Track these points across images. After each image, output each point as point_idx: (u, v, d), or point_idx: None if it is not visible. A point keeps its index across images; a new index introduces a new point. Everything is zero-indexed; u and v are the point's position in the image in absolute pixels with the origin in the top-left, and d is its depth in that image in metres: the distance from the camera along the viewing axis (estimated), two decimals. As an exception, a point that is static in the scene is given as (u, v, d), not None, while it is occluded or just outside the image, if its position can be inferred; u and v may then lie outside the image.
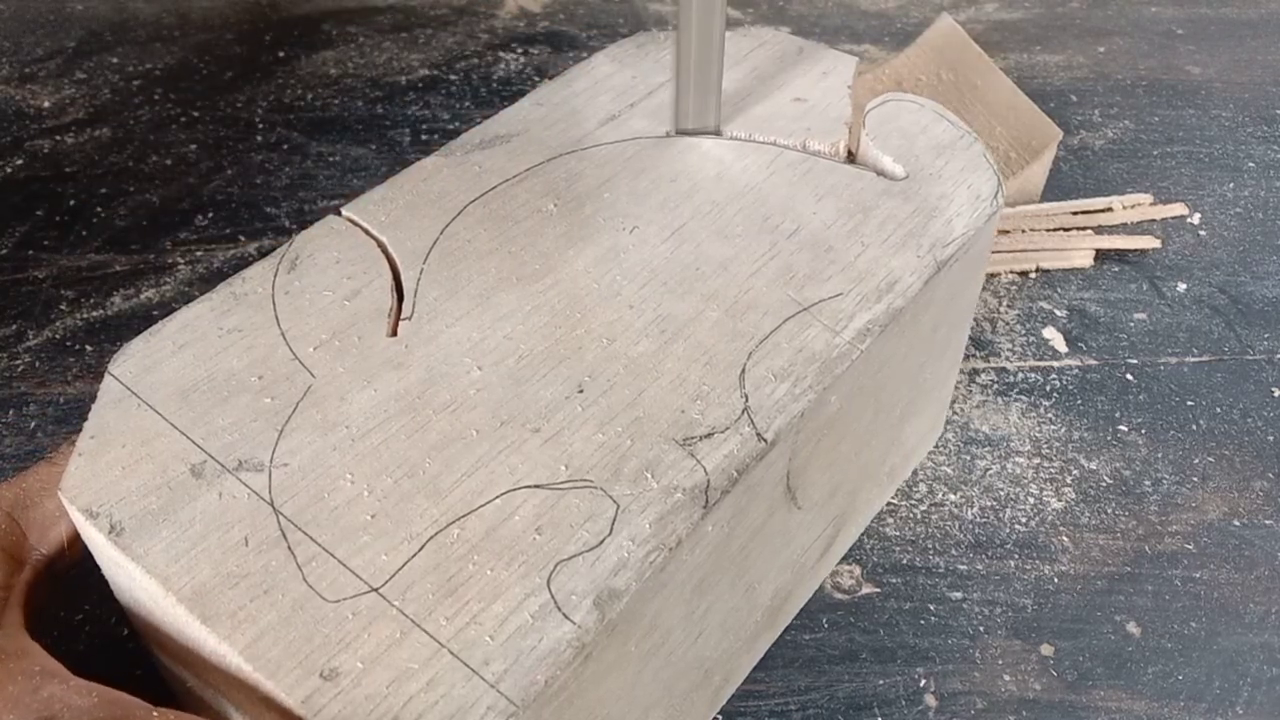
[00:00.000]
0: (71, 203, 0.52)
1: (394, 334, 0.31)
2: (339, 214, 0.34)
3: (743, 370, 0.30)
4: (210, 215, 0.52)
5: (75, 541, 0.29)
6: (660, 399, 0.29)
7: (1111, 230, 0.53)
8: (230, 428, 0.28)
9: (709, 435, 0.29)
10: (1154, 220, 0.55)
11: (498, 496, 0.27)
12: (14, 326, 0.47)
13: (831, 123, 0.37)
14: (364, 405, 0.29)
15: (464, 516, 0.27)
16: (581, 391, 0.29)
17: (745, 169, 0.36)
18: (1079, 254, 0.52)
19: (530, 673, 0.24)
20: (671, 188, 0.35)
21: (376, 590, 0.25)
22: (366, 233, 0.33)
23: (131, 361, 0.30)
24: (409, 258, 0.33)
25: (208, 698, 0.28)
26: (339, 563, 0.26)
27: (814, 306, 0.32)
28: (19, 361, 0.46)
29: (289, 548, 0.26)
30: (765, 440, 0.29)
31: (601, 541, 0.26)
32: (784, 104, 0.38)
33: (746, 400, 0.29)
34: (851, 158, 0.37)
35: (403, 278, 0.32)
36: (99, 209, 0.52)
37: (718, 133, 0.36)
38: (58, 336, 0.47)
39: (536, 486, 0.27)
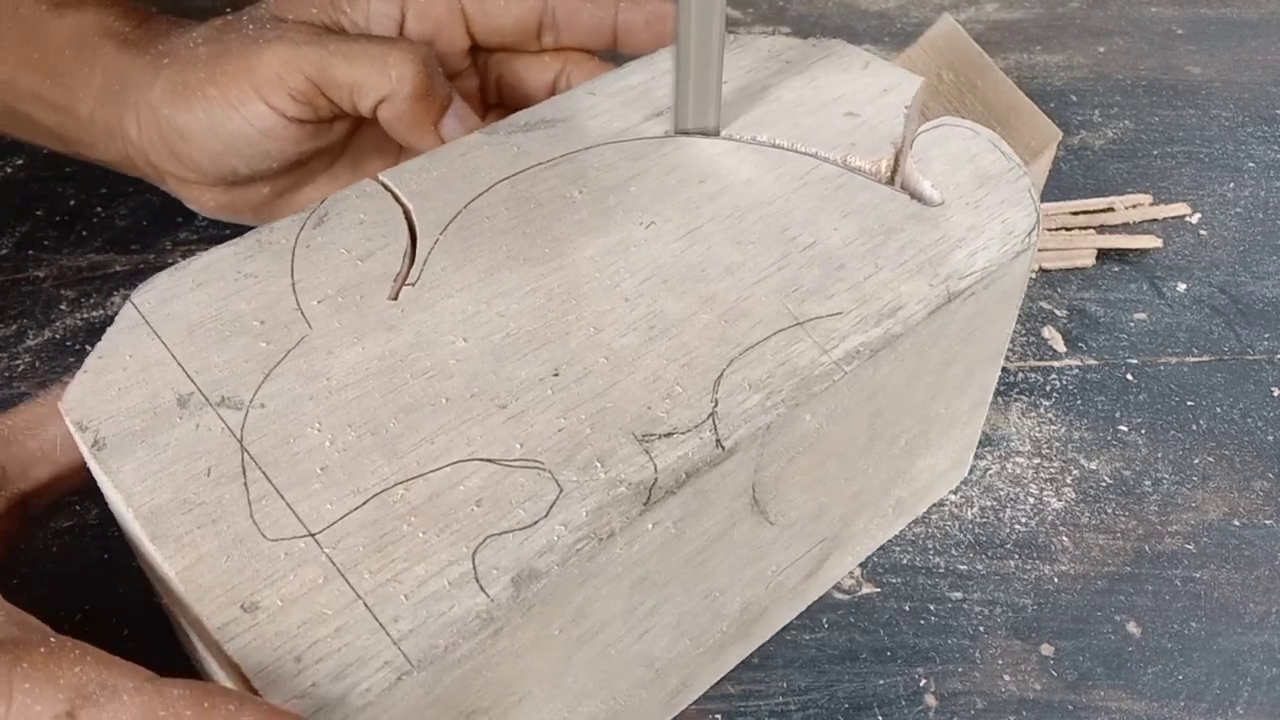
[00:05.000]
0: (71, 203, 0.52)
1: (395, 298, 0.32)
2: (375, 179, 0.35)
3: (720, 376, 0.30)
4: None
5: (54, 482, 0.31)
6: (630, 393, 0.29)
7: (1113, 230, 0.53)
8: (223, 365, 0.30)
9: (668, 435, 0.29)
10: (1155, 220, 0.54)
11: (449, 465, 0.28)
12: (14, 326, 0.47)
13: (879, 141, 0.36)
14: (349, 361, 0.30)
15: (412, 479, 0.27)
16: (556, 375, 0.30)
17: (779, 177, 0.35)
18: (1081, 253, 0.52)
19: (434, 637, 0.25)
20: (699, 188, 0.35)
21: (312, 535, 0.26)
22: (396, 198, 0.35)
23: (152, 293, 0.32)
24: (429, 227, 0.34)
25: (174, 613, 0.30)
26: (286, 505, 0.27)
27: (809, 322, 0.31)
28: (19, 361, 0.46)
29: (245, 484, 0.27)
30: (723, 447, 0.28)
31: (535, 522, 0.27)
32: (835, 117, 0.37)
33: (715, 406, 0.29)
34: (893, 178, 0.36)
35: (418, 245, 0.33)
36: (99, 209, 0.52)
37: (716, 133, 0.36)
38: (58, 336, 0.47)
39: (488, 460, 0.28)
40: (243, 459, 0.28)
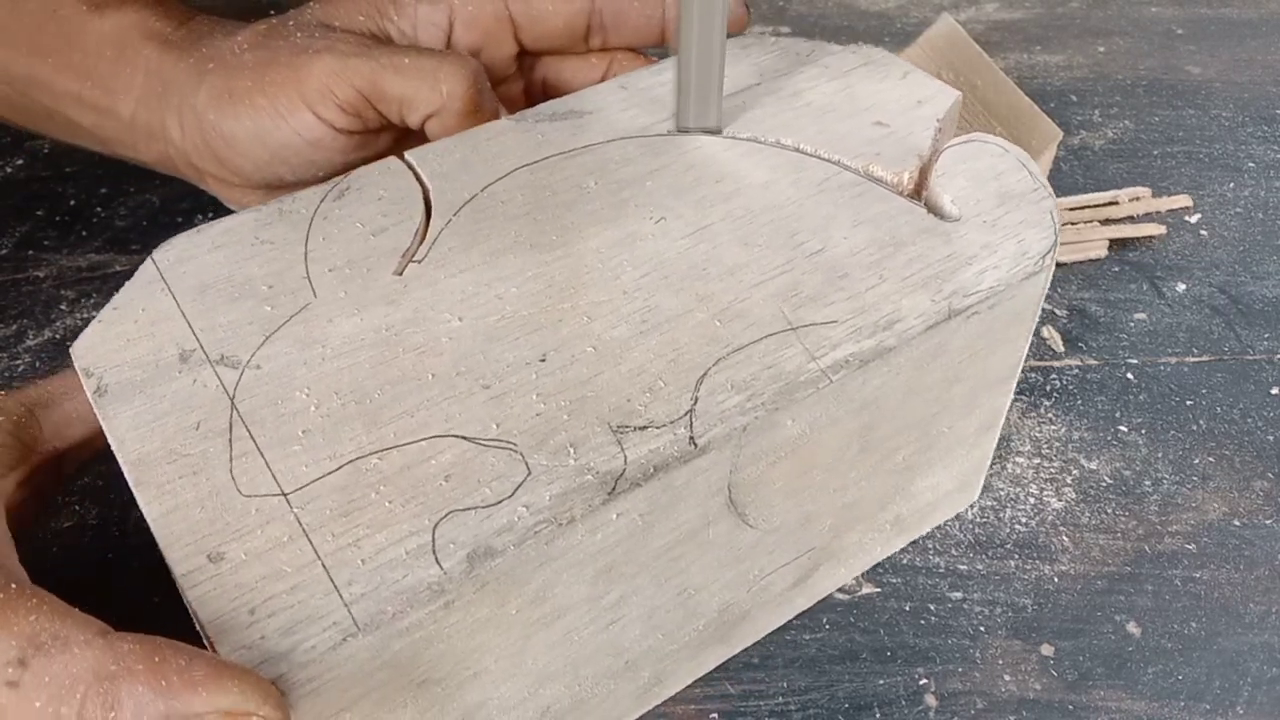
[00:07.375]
0: (71, 203, 0.53)
1: (400, 273, 0.32)
2: (400, 157, 0.36)
3: (704, 374, 0.30)
4: (210, 215, 0.51)
5: (86, 441, 0.33)
6: (612, 384, 0.30)
7: (1118, 223, 0.53)
8: (227, 325, 0.31)
9: (643, 428, 0.29)
10: (1156, 213, 0.54)
11: (425, 439, 0.28)
12: (14, 326, 0.47)
13: (905, 152, 0.36)
14: (346, 331, 0.31)
15: (387, 449, 0.28)
16: (543, 360, 0.30)
17: (796, 182, 0.35)
18: (1094, 245, 0.52)
19: (384, 603, 0.25)
20: (715, 188, 0.35)
21: (284, 495, 0.27)
22: (417, 177, 0.35)
23: (172, 251, 0.33)
24: (444, 207, 0.34)
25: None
26: (265, 463, 0.28)
27: (802, 329, 0.31)
28: (19, 361, 0.46)
29: (230, 440, 0.28)
30: (695, 444, 0.28)
31: (499, 501, 0.27)
32: (865, 125, 0.37)
33: (694, 403, 0.29)
34: (918, 191, 0.36)
35: (431, 224, 0.34)
36: (99, 209, 0.52)
37: (718, 132, 0.36)
38: (58, 336, 0.47)
39: (463, 438, 0.28)
40: (231, 416, 0.29)
